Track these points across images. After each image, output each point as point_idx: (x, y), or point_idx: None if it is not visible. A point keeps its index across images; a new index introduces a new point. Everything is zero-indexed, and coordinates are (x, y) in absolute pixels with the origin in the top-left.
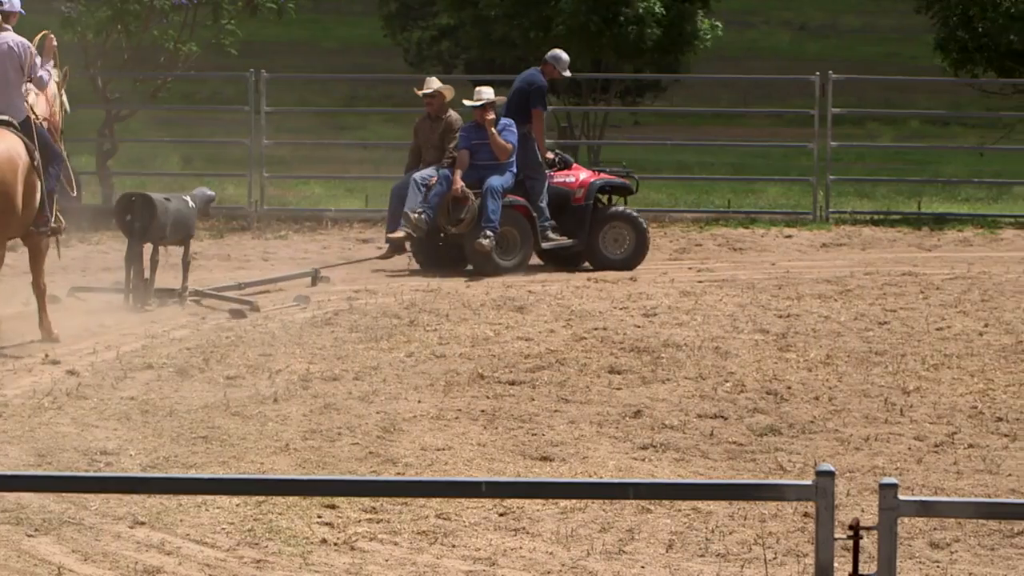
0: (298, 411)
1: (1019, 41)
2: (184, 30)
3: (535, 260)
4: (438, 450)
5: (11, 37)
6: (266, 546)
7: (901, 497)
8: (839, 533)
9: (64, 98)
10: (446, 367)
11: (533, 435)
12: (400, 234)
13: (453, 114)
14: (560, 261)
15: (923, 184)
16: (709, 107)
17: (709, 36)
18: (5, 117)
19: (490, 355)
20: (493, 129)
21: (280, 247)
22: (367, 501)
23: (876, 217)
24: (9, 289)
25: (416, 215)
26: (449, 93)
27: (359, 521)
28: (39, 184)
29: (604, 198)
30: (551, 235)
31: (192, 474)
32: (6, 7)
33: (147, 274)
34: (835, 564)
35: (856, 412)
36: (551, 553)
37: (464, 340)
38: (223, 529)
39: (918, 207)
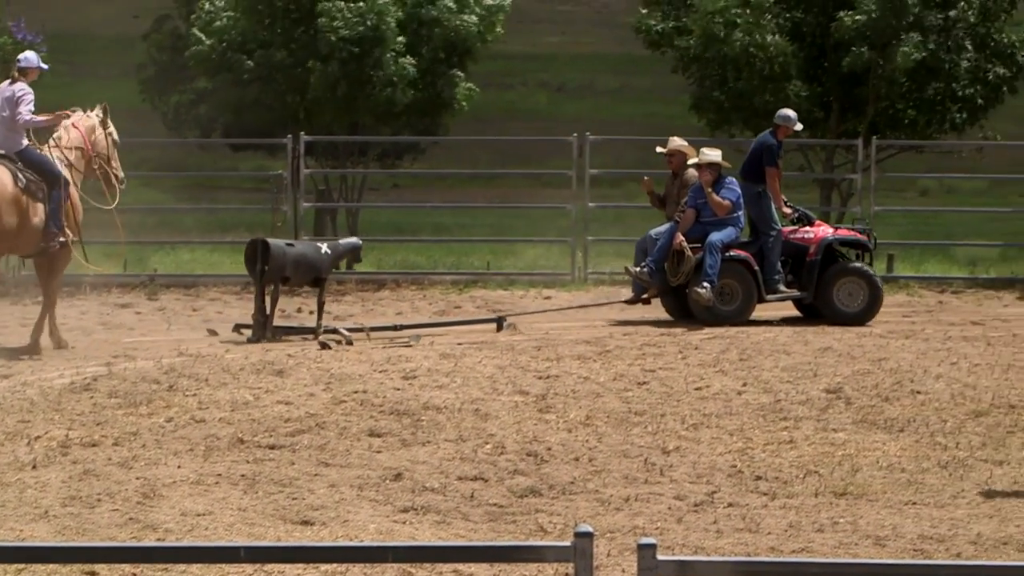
0: (57, 477)
1: (774, 101)
2: None
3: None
4: (199, 515)
5: (16, 86)
6: None
7: (660, 557)
8: None
9: (112, 129)
10: (206, 432)
11: (293, 499)
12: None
13: (691, 172)
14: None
15: None
16: (468, 169)
17: (466, 99)
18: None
19: (250, 419)
20: (709, 188)
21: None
22: (127, 567)
23: None
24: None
25: (638, 269)
26: (690, 152)
27: None
28: (35, 206)
29: (852, 254)
30: (780, 288)
31: None
32: (22, 64)
33: (268, 311)
34: None
35: (616, 472)
36: None
37: (224, 404)
38: None
39: None
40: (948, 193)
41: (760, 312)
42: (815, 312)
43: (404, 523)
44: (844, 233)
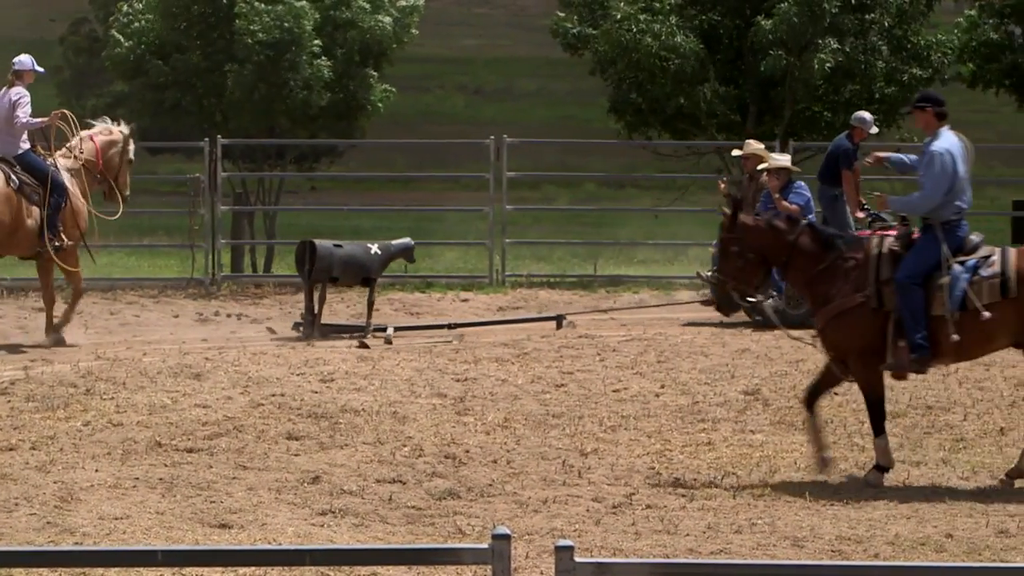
0: None
1: (690, 104)
2: None
3: None
4: (116, 519)
5: (14, 91)
6: None
7: (577, 559)
8: None
9: (131, 148)
10: (124, 436)
11: (211, 502)
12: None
13: (766, 177)
14: None
15: (599, 246)
16: (385, 172)
17: (382, 102)
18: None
19: (168, 423)
20: (776, 194)
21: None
22: (45, 572)
23: (552, 280)
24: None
25: (710, 273)
26: (766, 156)
27: None
28: (29, 208)
29: None
30: None
31: None
32: (16, 67)
33: (316, 310)
34: None
35: (534, 475)
36: None
37: (141, 408)
38: None
39: (594, 269)
40: (866, 194)
41: None
42: None
43: (322, 526)
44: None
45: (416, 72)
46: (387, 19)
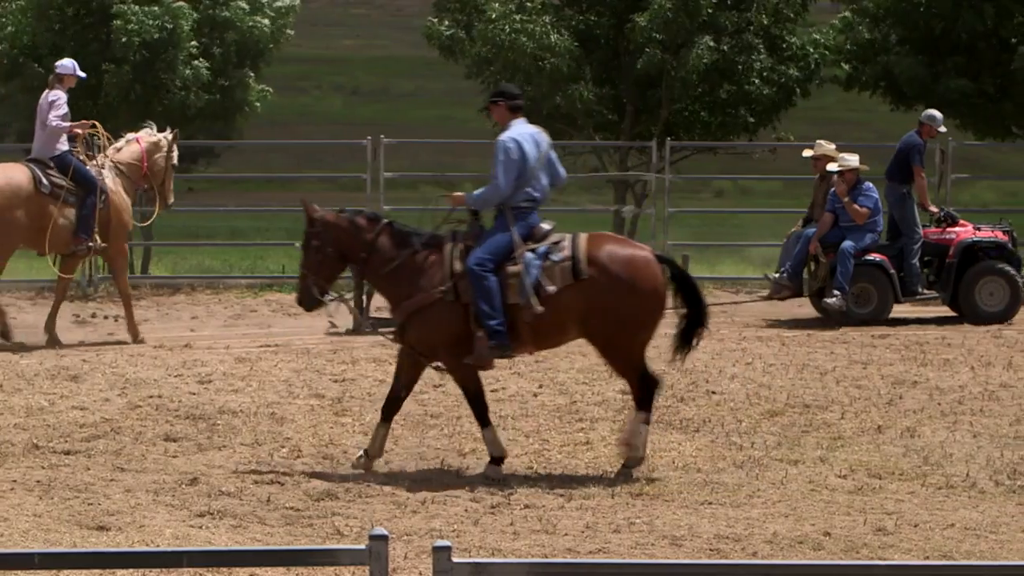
0: None
1: (566, 104)
2: None
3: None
4: None
5: (52, 93)
6: None
7: (455, 559)
8: None
9: (175, 154)
10: (0, 438)
11: (89, 504)
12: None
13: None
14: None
15: None
16: (263, 172)
17: (259, 101)
18: (35, 156)
19: (45, 425)
20: (846, 197)
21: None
22: None
23: None
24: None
25: (777, 275)
26: (836, 156)
27: None
28: (61, 208)
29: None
30: (919, 290)
31: None
32: (59, 70)
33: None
34: None
35: (413, 475)
36: None
37: (18, 410)
38: None
39: None
40: (743, 194)
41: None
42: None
43: (200, 528)
44: (984, 234)
45: (293, 72)
46: (265, 20)
